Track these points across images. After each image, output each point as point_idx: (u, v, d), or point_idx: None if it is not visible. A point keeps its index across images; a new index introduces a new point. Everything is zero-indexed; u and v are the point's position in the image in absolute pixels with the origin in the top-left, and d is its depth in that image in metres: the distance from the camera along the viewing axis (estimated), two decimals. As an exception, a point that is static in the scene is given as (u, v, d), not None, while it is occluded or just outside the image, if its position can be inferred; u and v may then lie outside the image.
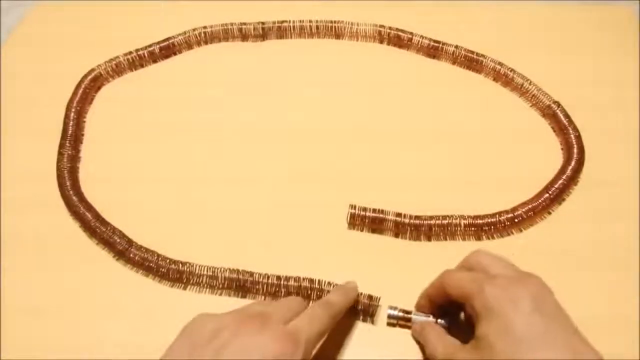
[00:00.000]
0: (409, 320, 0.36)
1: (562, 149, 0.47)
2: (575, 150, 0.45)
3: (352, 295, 0.35)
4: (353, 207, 0.41)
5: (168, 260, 0.39)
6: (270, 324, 0.28)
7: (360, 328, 0.37)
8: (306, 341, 0.28)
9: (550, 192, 0.42)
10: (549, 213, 0.42)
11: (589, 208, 0.43)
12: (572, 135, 0.46)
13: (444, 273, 0.34)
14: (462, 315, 0.34)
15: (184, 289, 0.39)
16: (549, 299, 0.30)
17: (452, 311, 0.35)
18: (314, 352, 0.30)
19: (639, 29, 0.57)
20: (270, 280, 0.38)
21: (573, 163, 0.44)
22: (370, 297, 0.36)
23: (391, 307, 0.36)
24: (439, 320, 0.35)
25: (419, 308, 0.36)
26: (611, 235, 0.41)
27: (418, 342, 0.35)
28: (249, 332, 0.27)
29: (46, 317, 0.37)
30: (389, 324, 0.37)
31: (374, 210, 0.41)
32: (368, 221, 0.41)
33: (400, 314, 0.36)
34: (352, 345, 0.36)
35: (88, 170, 0.46)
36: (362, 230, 0.42)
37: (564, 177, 0.43)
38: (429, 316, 0.35)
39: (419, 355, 0.35)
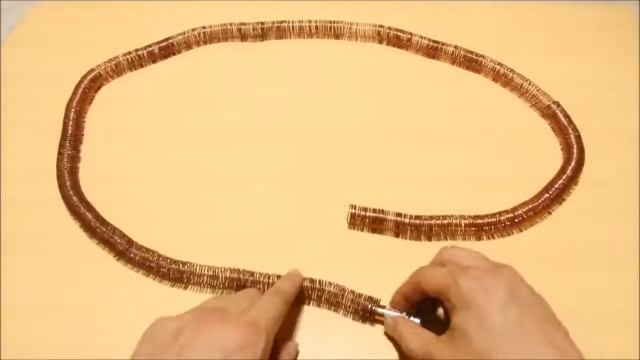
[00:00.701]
0: (381, 315, 0.36)
1: (562, 149, 0.47)
2: (575, 150, 0.45)
3: (298, 281, 0.36)
4: (353, 207, 0.41)
5: (169, 260, 0.39)
6: (229, 317, 0.29)
7: (361, 328, 0.37)
8: (266, 327, 0.29)
9: (550, 192, 0.42)
10: (549, 213, 0.42)
11: (589, 208, 0.43)
12: (572, 135, 0.46)
13: (418, 270, 0.34)
14: (438, 311, 0.34)
15: (185, 288, 0.39)
16: (523, 288, 0.30)
17: (427, 308, 0.35)
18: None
19: (639, 29, 0.57)
20: (270, 280, 0.38)
21: (573, 163, 0.44)
22: (370, 298, 0.36)
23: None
24: (411, 318, 0.35)
25: (394, 305, 0.36)
26: (611, 235, 0.41)
27: (391, 339, 0.35)
28: (209, 328, 0.28)
29: (46, 317, 0.37)
30: (354, 319, 0.37)
31: (374, 210, 0.41)
32: (368, 221, 0.41)
33: (376, 308, 0.36)
34: (352, 345, 0.36)
35: (88, 170, 0.46)
36: (362, 230, 0.42)
37: (564, 177, 0.43)
38: (402, 313, 0.35)
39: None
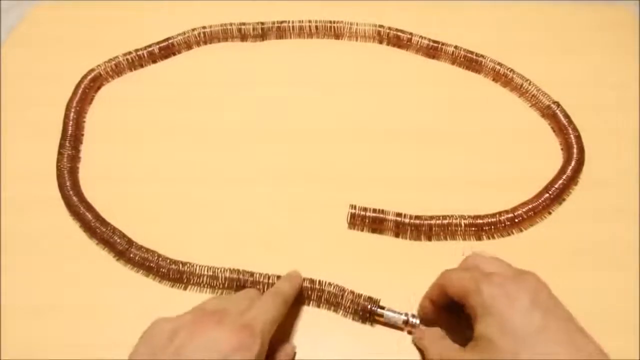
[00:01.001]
0: (381, 315, 0.36)
1: (562, 149, 0.47)
2: (575, 151, 0.45)
3: (297, 281, 0.37)
4: (353, 207, 0.41)
5: (168, 261, 0.39)
6: (226, 318, 0.29)
7: (361, 328, 0.37)
8: (262, 330, 0.29)
9: (550, 192, 0.42)
10: (549, 213, 0.42)
11: (589, 208, 0.43)
12: (572, 135, 0.46)
13: (443, 273, 0.34)
14: (460, 321, 0.34)
15: (185, 289, 0.39)
16: (546, 294, 0.30)
17: (451, 319, 0.35)
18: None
19: (639, 29, 0.57)
20: (270, 280, 0.38)
21: (573, 163, 0.44)
22: (370, 298, 0.36)
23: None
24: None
25: (423, 310, 0.36)
26: (611, 235, 0.41)
27: (419, 349, 0.35)
28: (206, 329, 0.28)
29: (46, 317, 0.37)
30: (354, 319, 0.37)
31: (374, 210, 0.41)
32: (368, 221, 0.41)
33: (376, 309, 0.36)
34: (352, 346, 0.36)
35: (88, 171, 0.46)
36: (362, 230, 0.42)
37: (564, 177, 0.43)
38: (401, 313, 0.35)
39: (419, 355, 0.35)
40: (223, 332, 0.28)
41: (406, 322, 0.35)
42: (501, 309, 0.29)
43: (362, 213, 0.41)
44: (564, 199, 0.43)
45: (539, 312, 0.28)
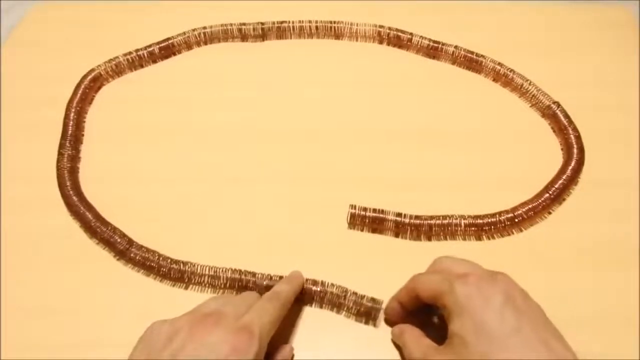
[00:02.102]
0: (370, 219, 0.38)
1: (562, 149, 0.47)
2: (575, 151, 0.45)
3: (297, 283, 0.36)
4: (353, 207, 0.41)
5: (169, 260, 0.39)
6: (224, 321, 0.29)
7: (361, 329, 0.37)
8: (260, 332, 0.29)
9: (550, 192, 0.42)
10: (549, 213, 0.42)
11: (589, 208, 0.43)
12: (572, 135, 0.46)
13: (413, 277, 0.34)
14: (434, 320, 0.35)
15: (186, 288, 0.39)
16: (519, 295, 0.30)
17: (425, 317, 0.35)
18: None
19: (639, 29, 0.57)
20: (272, 281, 0.38)
21: (573, 163, 0.44)
22: (373, 299, 0.36)
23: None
24: None
25: (389, 312, 0.36)
26: (611, 235, 0.41)
27: (397, 346, 0.35)
28: (203, 331, 0.28)
29: (46, 317, 0.37)
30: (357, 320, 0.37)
31: (374, 210, 0.41)
32: (368, 221, 0.41)
33: (379, 310, 0.36)
34: (352, 346, 0.36)
35: (88, 171, 0.46)
36: (362, 230, 0.42)
37: (564, 177, 0.43)
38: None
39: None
40: (220, 334, 0.28)
41: None
42: (475, 309, 0.29)
43: (362, 213, 0.41)
44: (564, 199, 0.43)
45: (513, 313, 0.28)
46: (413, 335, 0.34)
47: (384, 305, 0.36)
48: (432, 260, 0.35)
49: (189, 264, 0.39)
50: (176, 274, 0.38)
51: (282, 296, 0.33)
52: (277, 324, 0.32)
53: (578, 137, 0.46)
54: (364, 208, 0.41)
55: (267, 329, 0.30)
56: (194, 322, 0.29)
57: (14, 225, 0.42)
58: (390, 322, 0.36)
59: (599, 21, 0.59)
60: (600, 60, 0.54)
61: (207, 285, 0.38)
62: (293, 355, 0.35)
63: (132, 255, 0.39)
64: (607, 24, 0.58)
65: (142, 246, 0.40)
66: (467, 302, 0.29)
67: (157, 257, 0.39)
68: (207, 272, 0.38)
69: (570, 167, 0.44)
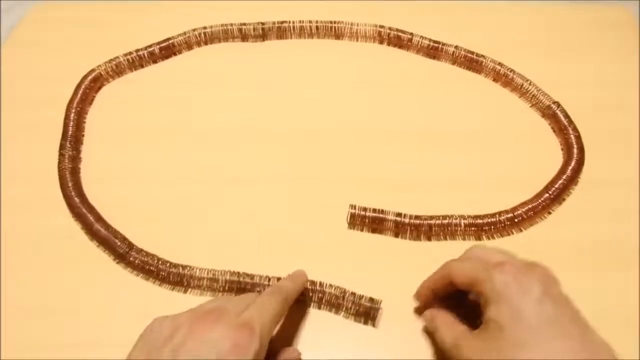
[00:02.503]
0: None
1: (562, 149, 0.47)
2: (575, 151, 0.45)
3: (301, 280, 0.36)
4: (353, 207, 0.41)
5: (168, 264, 0.39)
6: (225, 317, 0.29)
7: (361, 329, 0.37)
8: (261, 329, 0.29)
9: (550, 192, 0.42)
10: (549, 213, 0.42)
11: (589, 208, 0.43)
12: (572, 135, 0.46)
13: (448, 263, 0.34)
14: (463, 305, 0.34)
15: (185, 292, 0.39)
16: (557, 287, 0.30)
17: (451, 301, 0.35)
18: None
19: (639, 29, 0.57)
20: (270, 283, 0.38)
21: (573, 163, 0.44)
22: (371, 299, 0.36)
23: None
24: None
25: (420, 297, 0.36)
26: (611, 235, 0.41)
27: (427, 331, 0.35)
28: (203, 328, 0.28)
29: (46, 318, 0.37)
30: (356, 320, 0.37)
31: (374, 210, 0.41)
32: (368, 221, 0.41)
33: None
34: (352, 346, 0.36)
35: (88, 171, 0.46)
36: (362, 230, 0.42)
37: (564, 177, 0.43)
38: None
39: (419, 355, 0.35)
40: (221, 330, 0.28)
41: None
42: (513, 297, 0.29)
43: (362, 213, 0.41)
44: (564, 199, 0.43)
45: (550, 303, 0.28)
46: (446, 320, 0.33)
47: (382, 305, 0.36)
48: (464, 250, 0.35)
49: (188, 268, 0.39)
50: (175, 277, 0.38)
51: (284, 291, 0.33)
52: (278, 320, 0.32)
53: (578, 137, 0.46)
54: (363, 208, 0.41)
55: (268, 325, 0.30)
56: (194, 318, 0.29)
57: (14, 225, 0.42)
58: (419, 309, 0.36)
59: (599, 21, 0.59)
60: (600, 60, 0.54)
61: (206, 288, 0.38)
62: (300, 356, 0.35)
63: (131, 258, 0.39)
64: (607, 24, 0.58)
65: (141, 250, 0.40)
66: (504, 290, 0.29)
67: (156, 261, 0.39)
68: (205, 276, 0.38)
69: (570, 167, 0.44)
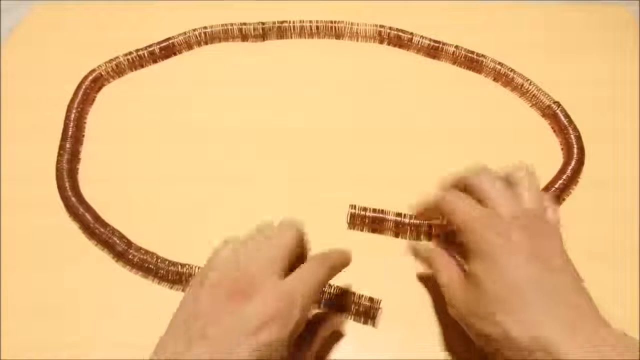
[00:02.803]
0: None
1: (562, 149, 0.47)
2: (575, 151, 0.45)
3: (347, 256, 0.33)
4: (353, 207, 0.41)
5: (167, 262, 0.39)
6: (260, 286, 0.27)
7: (360, 328, 0.37)
8: (302, 299, 0.27)
9: (550, 192, 0.42)
10: (549, 213, 0.42)
11: (589, 208, 0.43)
12: (572, 135, 0.46)
13: (445, 197, 0.33)
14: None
15: (183, 290, 0.39)
16: (550, 248, 0.29)
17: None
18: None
19: (638, 29, 0.57)
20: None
21: (573, 163, 0.44)
22: (371, 299, 0.36)
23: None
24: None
25: (419, 217, 0.37)
26: (611, 235, 0.41)
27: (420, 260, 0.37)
28: (240, 300, 0.26)
29: (46, 318, 0.37)
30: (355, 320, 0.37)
31: (374, 210, 0.41)
32: (368, 221, 0.41)
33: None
34: (352, 346, 0.36)
35: (88, 171, 0.46)
36: (362, 230, 0.42)
37: (564, 177, 0.43)
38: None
39: (419, 355, 0.35)
40: (258, 301, 0.26)
41: None
42: (498, 256, 0.28)
43: (362, 213, 0.41)
44: (564, 199, 0.43)
45: (536, 266, 0.28)
46: (442, 261, 0.33)
47: (382, 305, 0.36)
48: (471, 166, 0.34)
49: (187, 266, 0.39)
50: (174, 276, 0.38)
51: (331, 261, 0.31)
52: (320, 289, 0.30)
53: (578, 137, 0.46)
54: (363, 208, 0.41)
55: (310, 295, 0.28)
56: (230, 290, 0.27)
57: (13, 225, 0.42)
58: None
59: (599, 21, 0.59)
60: (600, 60, 0.54)
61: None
62: (340, 326, 0.35)
63: (130, 257, 0.39)
64: (607, 24, 0.58)
65: (140, 248, 0.40)
66: (488, 249, 0.29)
67: (155, 259, 0.39)
68: None
69: (570, 167, 0.44)
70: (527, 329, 0.26)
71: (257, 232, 0.31)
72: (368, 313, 0.36)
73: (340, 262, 0.32)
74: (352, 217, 0.41)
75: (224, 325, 0.25)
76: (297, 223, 0.31)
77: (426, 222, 0.39)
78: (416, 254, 0.37)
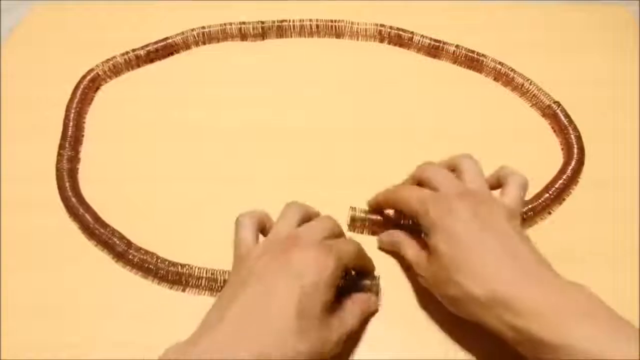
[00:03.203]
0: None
1: (562, 149, 0.47)
2: (575, 151, 0.45)
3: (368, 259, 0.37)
4: (353, 209, 0.41)
5: (167, 263, 0.39)
6: (301, 240, 0.32)
7: (360, 329, 0.36)
8: (338, 253, 0.31)
9: (550, 192, 0.42)
10: (549, 213, 0.42)
11: (589, 208, 0.43)
12: (572, 135, 0.46)
13: (396, 190, 0.38)
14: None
15: (183, 291, 0.38)
16: (493, 214, 0.32)
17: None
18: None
19: (638, 29, 0.57)
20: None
21: (573, 163, 0.44)
22: (371, 277, 0.37)
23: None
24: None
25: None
26: (611, 235, 0.41)
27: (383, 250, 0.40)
28: (284, 250, 0.31)
29: (46, 318, 0.37)
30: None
31: (375, 212, 0.41)
32: (369, 223, 0.41)
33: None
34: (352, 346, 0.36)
35: (87, 171, 0.46)
36: (362, 233, 0.41)
37: (564, 177, 0.43)
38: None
39: (419, 355, 0.35)
40: (300, 251, 0.30)
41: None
42: (445, 225, 0.32)
43: (362, 215, 0.41)
44: (564, 199, 0.43)
45: (477, 222, 0.31)
46: (407, 243, 0.37)
47: (383, 305, 0.36)
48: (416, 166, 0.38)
49: (187, 267, 0.38)
50: (174, 276, 0.38)
51: (359, 244, 0.35)
52: (354, 257, 0.34)
53: (578, 137, 0.46)
54: (364, 210, 0.41)
55: (345, 255, 0.32)
56: (276, 244, 0.32)
57: (13, 226, 0.42)
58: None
59: (599, 21, 0.59)
60: (600, 60, 0.54)
61: (204, 287, 0.38)
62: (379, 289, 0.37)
63: (130, 257, 0.39)
64: (607, 24, 0.58)
65: (140, 248, 0.40)
66: (439, 222, 0.32)
67: (155, 259, 0.39)
68: (204, 275, 0.38)
69: (570, 167, 0.44)
70: (482, 285, 0.29)
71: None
72: (370, 291, 0.36)
73: (365, 254, 0.36)
74: (353, 219, 0.41)
75: (272, 269, 0.30)
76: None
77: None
78: (383, 244, 0.40)
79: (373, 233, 0.41)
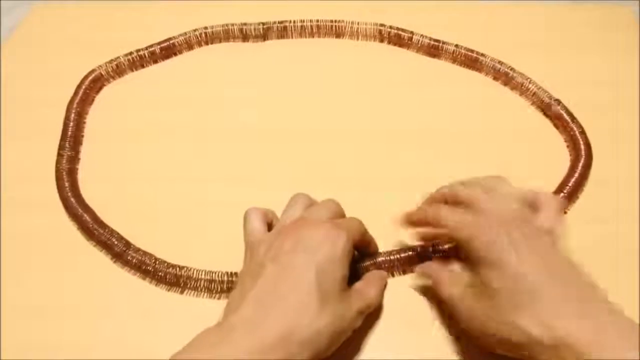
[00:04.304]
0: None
1: (567, 146, 0.47)
2: (582, 147, 0.45)
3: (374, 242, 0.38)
4: None
5: (165, 264, 0.39)
6: (311, 220, 0.33)
7: (360, 328, 0.36)
8: (347, 230, 0.32)
9: (564, 192, 0.42)
10: (565, 213, 0.42)
11: (590, 208, 0.43)
12: (576, 132, 0.46)
13: (440, 210, 0.34)
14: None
15: (181, 293, 0.38)
16: (544, 243, 0.30)
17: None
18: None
19: (639, 29, 0.57)
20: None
21: (583, 159, 0.44)
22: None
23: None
24: None
25: (409, 219, 0.37)
26: (612, 235, 0.41)
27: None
28: (295, 230, 0.32)
29: (46, 318, 0.37)
30: None
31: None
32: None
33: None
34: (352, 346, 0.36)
35: (87, 172, 0.46)
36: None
37: (576, 175, 0.43)
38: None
39: (418, 355, 0.35)
40: (311, 229, 0.31)
41: None
42: (501, 259, 0.29)
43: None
44: (577, 197, 0.43)
45: (538, 257, 0.29)
46: (443, 277, 0.34)
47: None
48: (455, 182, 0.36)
49: (185, 269, 0.38)
50: (172, 278, 0.38)
51: (366, 230, 0.35)
52: (359, 234, 0.34)
53: (582, 133, 0.46)
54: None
55: (353, 231, 0.32)
56: (285, 227, 0.33)
57: (13, 226, 0.42)
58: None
59: (599, 21, 0.59)
60: (601, 60, 0.54)
61: (203, 289, 0.38)
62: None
63: (128, 258, 0.39)
64: (607, 24, 0.58)
65: (139, 249, 0.40)
66: (492, 254, 0.30)
67: (153, 260, 0.39)
68: (203, 277, 0.38)
69: (580, 164, 0.44)
70: (547, 329, 0.27)
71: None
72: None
73: (370, 235, 0.36)
74: None
75: (285, 250, 0.30)
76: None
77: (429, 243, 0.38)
78: (422, 274, 0.37)
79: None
